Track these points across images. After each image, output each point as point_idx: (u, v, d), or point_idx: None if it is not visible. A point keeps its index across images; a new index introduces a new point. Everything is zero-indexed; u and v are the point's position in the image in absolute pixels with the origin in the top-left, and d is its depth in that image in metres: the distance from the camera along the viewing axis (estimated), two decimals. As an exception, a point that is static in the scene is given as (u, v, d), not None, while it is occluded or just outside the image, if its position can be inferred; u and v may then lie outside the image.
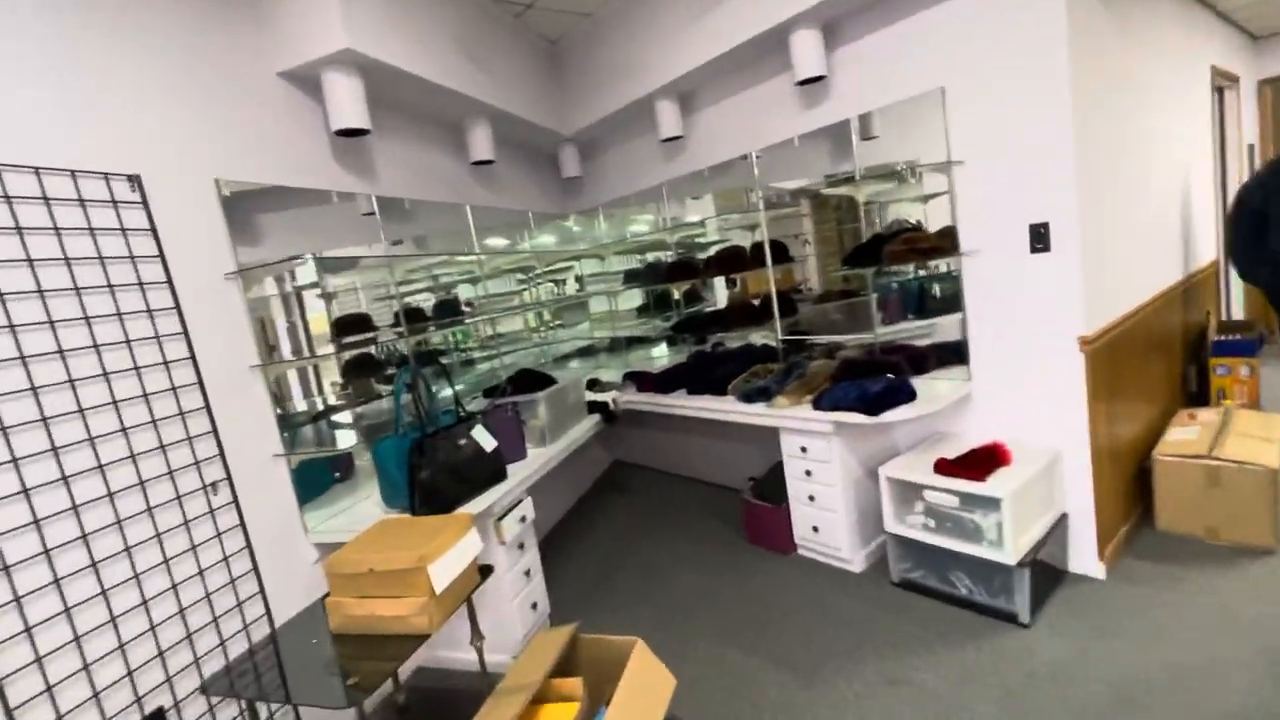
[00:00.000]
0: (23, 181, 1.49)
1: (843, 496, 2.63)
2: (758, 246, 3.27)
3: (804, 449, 2.71)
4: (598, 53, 3.55)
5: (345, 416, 2.51)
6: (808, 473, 2.73)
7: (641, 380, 3.66)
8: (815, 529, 2.76)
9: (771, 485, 3.00)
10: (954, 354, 2.68)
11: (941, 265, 2.68)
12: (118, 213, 1.68)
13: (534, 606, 2.50)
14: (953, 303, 2.64)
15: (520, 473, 2.48)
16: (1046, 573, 2.30)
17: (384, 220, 2.79)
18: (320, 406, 2.42)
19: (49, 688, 1.43)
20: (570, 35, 3.66)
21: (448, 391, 2.40)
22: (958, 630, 2.21)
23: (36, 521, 1.44)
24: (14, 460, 1.42)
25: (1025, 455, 2.37)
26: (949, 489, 2.29)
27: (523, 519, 2.45)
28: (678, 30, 3.06)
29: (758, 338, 3.55)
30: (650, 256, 4.15)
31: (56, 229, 1.54)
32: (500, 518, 2.32)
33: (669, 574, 2.96)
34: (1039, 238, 2.28)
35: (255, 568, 1.94)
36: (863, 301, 3.04)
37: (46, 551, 1.46)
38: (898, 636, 2.23)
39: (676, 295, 4.08)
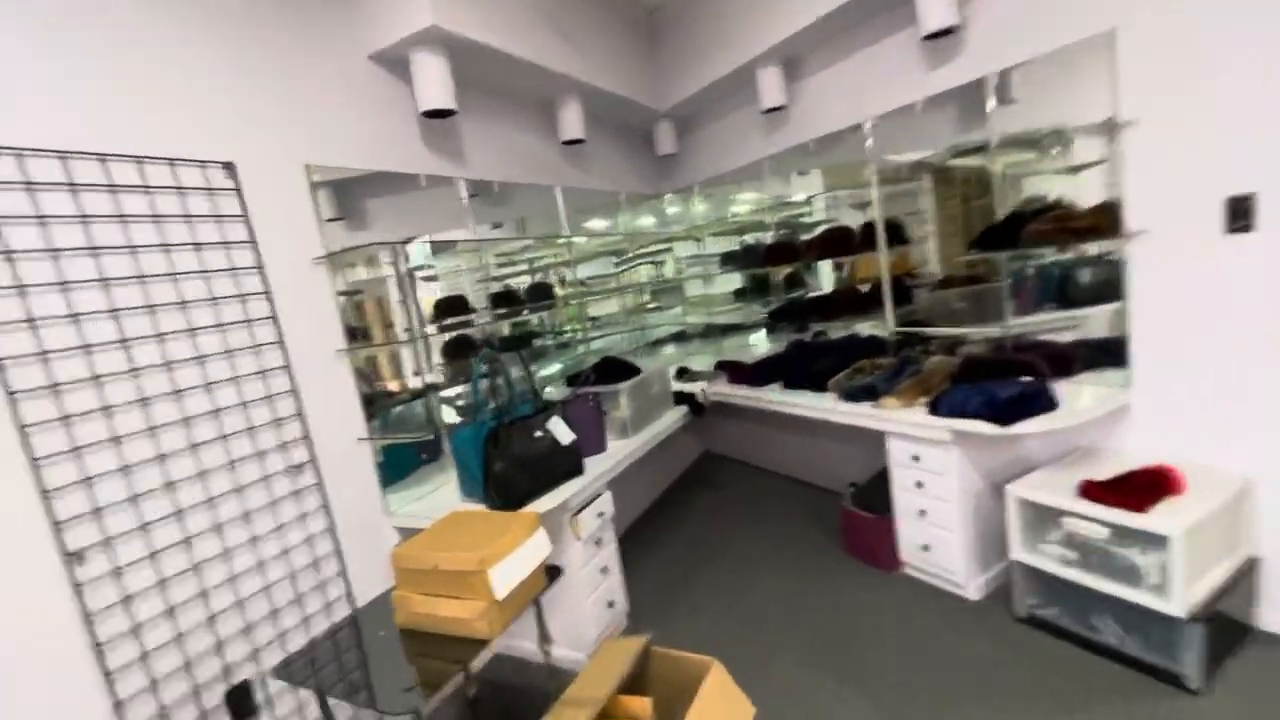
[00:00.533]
0: (124, 170, 1.55)
1: (960, 514, 2.30)
2: (869, 227, 2.93)
3: (916, 457, 2.39)
4: (696, 20, 3.32)
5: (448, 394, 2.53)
6: (919, 484, 2.41)
7: (734, 370, 3.44)
8: (925, 547, 2.45)
9: (875, 493, 2.70)
10: (1106, 354, 2.24)
11: (1091, 248, 2.24)
12: (212, 200, 1.72)
13: (610, 605, 2.41)
14: (1103, 291, 2.20)
15: (599, 466, 2.37)
16: (1226, 628, 1.87)
17: (478, 203, 2.82)
18: (420, 385, 2.42)
19: (144, 654, 1.50)
20: (668, 3, 3.45)
21: (546, 370, 2.29)
22: (1099, 685, 1.85)
23: (134, 497, 1.51)
24: (116, 439, 1.49)
25: (1204, 483, 1.93)
26: (1098, 518, 1.90)
27: (600, 514, 2.35)
28: (784, -13, 2.77)
29: (866, 328, 3.21)
30: (750, 238, 3.89)
31: (156, 216, 1.60)
32: (577, 512, 2.23)
33: (755, 579, 2.76)
34: (1239, 213, 1.81)
35: (338, 548, 1.98)
36: (992, 289, 2.64)
37: (144, 525, 1.53)
38: (1020, 682, 1.91)
39: (778, 279, 3.79)
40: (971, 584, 2.36)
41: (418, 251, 2.51)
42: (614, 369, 2.83)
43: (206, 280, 1.69)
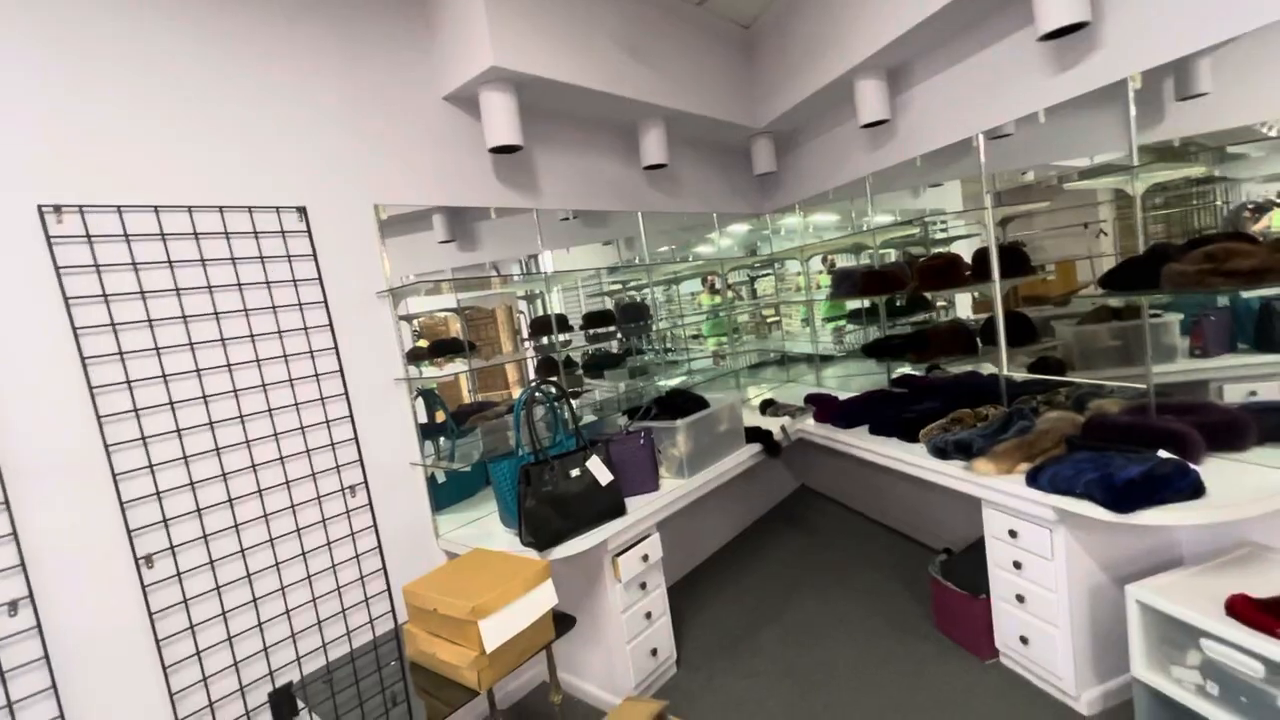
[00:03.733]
0: (208, 219, 1.75)
1: (1069, 608, 1.90)
2: (1003, 250, 2.51)
3: (1013, 533, 2.02)
4: (792, 32, 3.11)
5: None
6: (1017, 565, 2.03)
7: (823, 405, 3.16)
8: (1024, 640, 2.06)
9: (972, 565, 2.33)
10: (1293, 426, 1.73)
11: None
12: (285, 241, 1.89)
13: (653, 652, 2.30)
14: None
15: (648, 507, 2.28)
16: None
17: (578, 225, 2.95)
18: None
19: (198, 652, 1.68)
20: (764, 17, 3.28)
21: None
22: None
23: (199, 510, 1.70)
24: (185, 458, 1.68)
25: None
26: (1248, 648, 1.46)
27: (645, 557, 2.26)
28: (882, -9, 2.49)
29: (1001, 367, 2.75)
30: (865, 258, 3.56)
31: (233, 258, 1.79)
32: (619, 554, 2.16)
33: (827, 643, 2.49)
34: None
35: (384, 566, 2.08)
36: (1133, 328, 2.16)
37: (205, 537, 1.71)
38: (1129, 844, 1.52)
39: (899, 302, 3.40)
40: (1085, 695, 1.94)
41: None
42: (680, 401, 2.72)
43: (275, 314, 1.86)
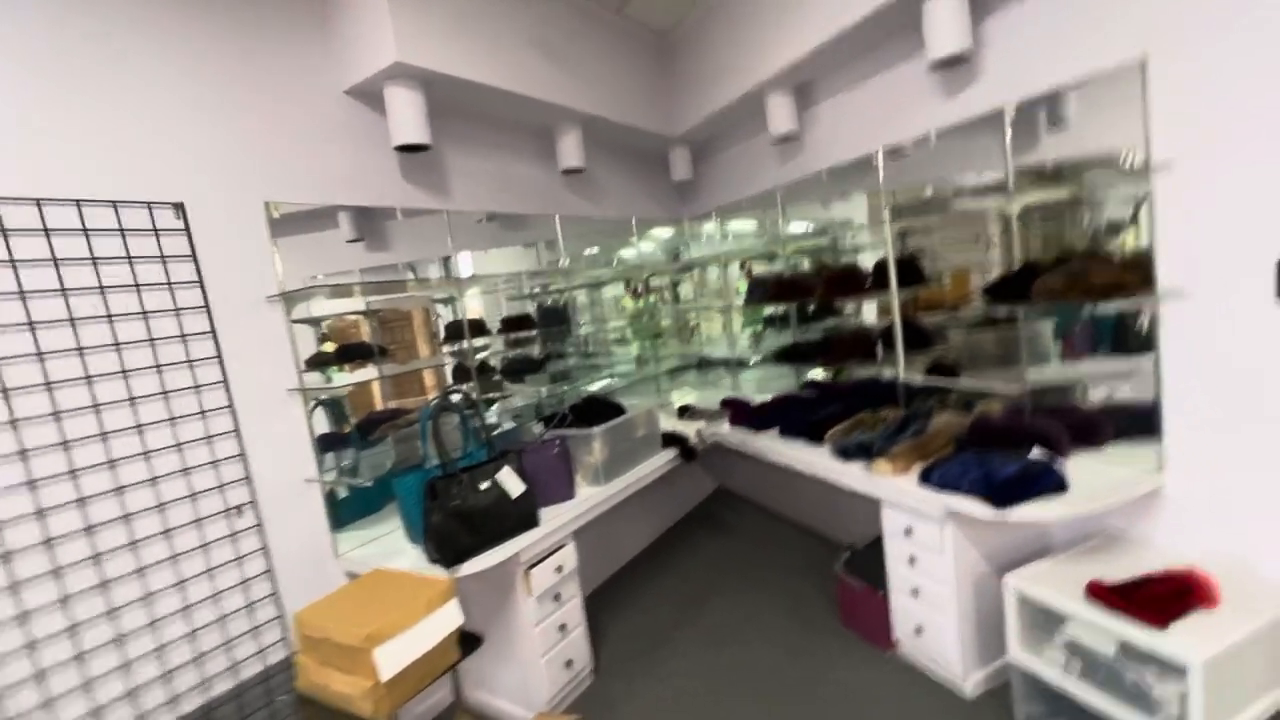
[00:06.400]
0: (64, 214, 1.57)
1: (957, 599, 2.03)
2: (901, 261, 2.65)
3: (909, 530, 2.14)
4: (707, 44, 3.18)
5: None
6: (912, 559, 2.16)
7: (737, 410, 3.24)
8: (918, 630, 2.18)
9: (874, 561, 2.45)
10: (1142, 424, 1.93)
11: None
12: (158, 241, 1.72)
13: (569, 664, 2.27)
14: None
15: (563, 516, 2.25)
16: (1268, 777, 1.54)
17: (497, 226, 2.88)
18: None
19: (47, 701, 1.49)
20: (680, 27, 3.33)
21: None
22: (1103, 831, 1.56)
23: (49, 541, 1.51)
24: (31, 483, 1.49)
25: (1244, 594, 1.61)
26: (1105, 628, 1.62)
27: (560, 568, 2.23)
28: (789, 11, 2.59)
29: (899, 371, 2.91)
30: (779, 266, 3.67)
31: (93, 258, 1.61)
32: (531, 566, 2.12)
33: (739, 643, 2.55)
34: (1294, 278, 1.50)
35: (275, 590, 1.94)
36: (1014, 334, 2.34)
37: (56, 570, 1.52)
38: (1007, 815, 1.64)
39: (811, 309, 3.51)
40: (970, 678, 2.08)
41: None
42: (597, 408, 2.71)
43: (145, 320, 1.69)
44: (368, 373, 2.33)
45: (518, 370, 3.19)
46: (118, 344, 1.64)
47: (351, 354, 2.29)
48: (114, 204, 1.65)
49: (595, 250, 3.67)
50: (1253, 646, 1.51)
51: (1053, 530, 2.18)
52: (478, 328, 2.85)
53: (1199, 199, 1.66)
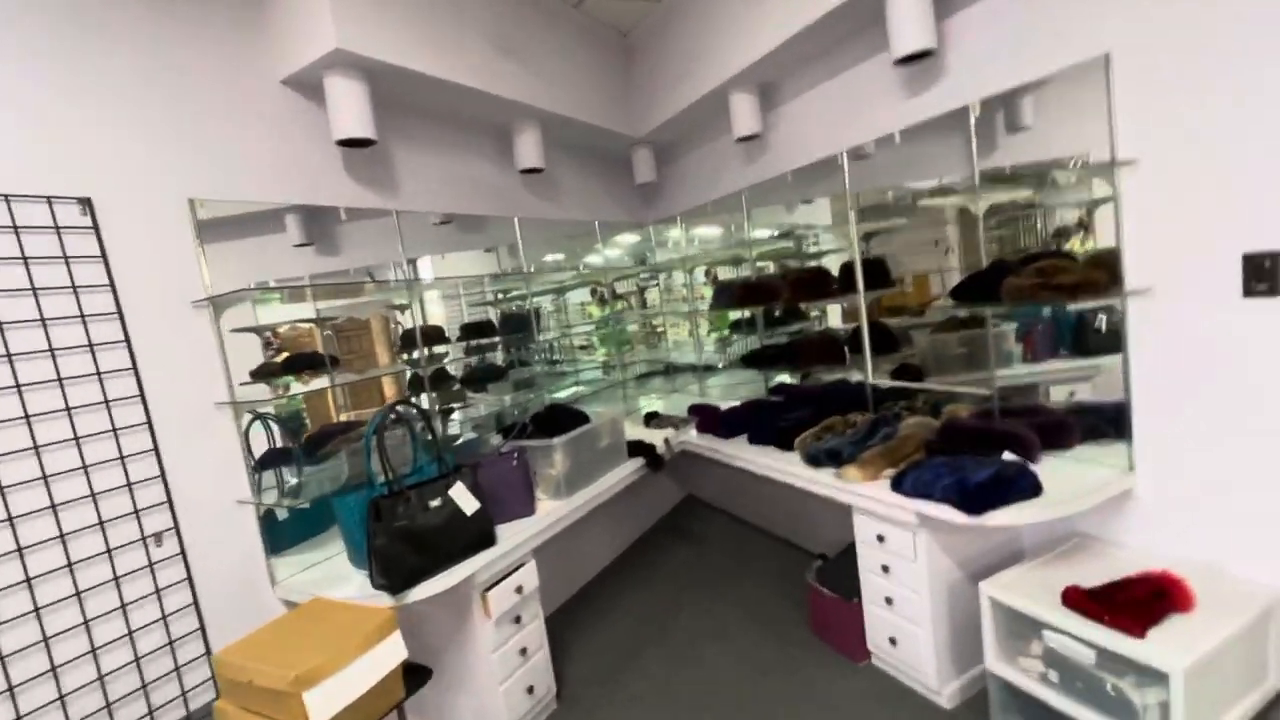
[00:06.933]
0: (-56, 209, 1.39)
1: (931, 607, 1.97)
2: (867, 264, 2.60)
3: (881, 537, 2.08)
4: (670, 43, 3.11)
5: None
6: (885, 568, 2.09)
7: (705, 416, 3.16)
8: (892, 640, 2.12)
9: (846, 570, 2.38)
10: (1111, 424, 1.91)
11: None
12: (60, 240, 1.54)
13: (529, 690, 2.13)
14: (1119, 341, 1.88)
15: (522, 533, 2.12)
16: (1247, 784, 1.51)
17: (453, 230, 2.75)
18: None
19: (-78, 766, 1.30)
20: (642, 25, 3.26)
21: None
22: None
23: (-76, 581, 1.32)
24: (-97, 514, 1.30)
25: (1219, 596, 1.58)
26: (1082, 636, 1.57)
27: (519, 589, 2.09)
28: (751, 7, 2.53)
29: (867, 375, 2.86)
30: (746, 270, 3.61)
31: (-19, 259, 1.43)
32: (489, 588, 1.98)
33: (710, 659, 2.45)
34: (1260, 274, 1.49)
35: (201, 626, 1.76)
36: (979, 336, 2.32)
37: (-66, 614, 1.33)
38: (989, 835, 1.57)
39: (777, 313, 3.45)
40: (945, 688, 2.02)
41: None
42: (560, 417, 2.58)
43: (45, 328, 1.51)
44: (319, 383, 2.17)
45: (480, 378, 3.06)
46: (9, 354, 1.46)
47: (300, 364, 2.12)
48: (5, 198, 1.47)
49: (561, 256, 3.56)
50: (1230, 651, 1.48)
51: (1024, 536, 2.15)
52: (437, 335, 2.71)
53: (1164, 196, 1.64)
